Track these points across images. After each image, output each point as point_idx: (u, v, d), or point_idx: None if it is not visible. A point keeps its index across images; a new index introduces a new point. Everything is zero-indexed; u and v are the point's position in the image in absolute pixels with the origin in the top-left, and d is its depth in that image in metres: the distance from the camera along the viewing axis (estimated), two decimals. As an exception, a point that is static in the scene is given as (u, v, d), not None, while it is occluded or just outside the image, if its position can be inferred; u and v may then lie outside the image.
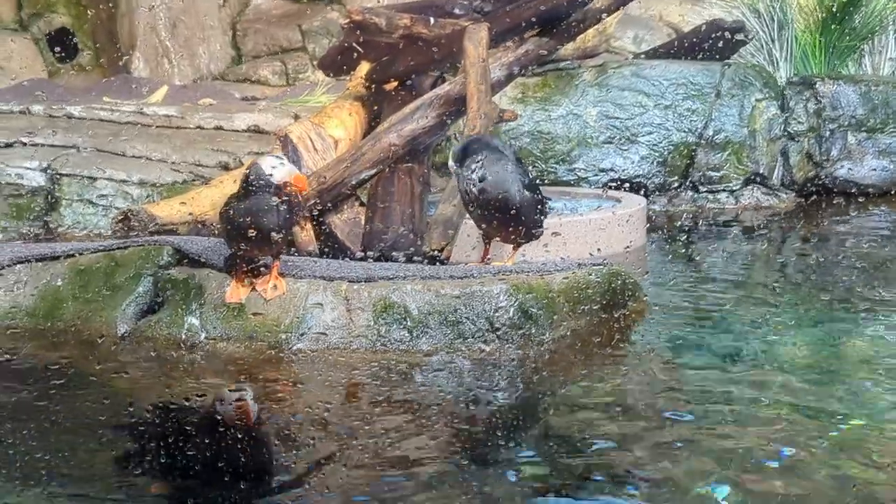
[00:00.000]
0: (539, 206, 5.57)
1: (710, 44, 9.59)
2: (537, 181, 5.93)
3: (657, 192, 9.22)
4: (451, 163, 5.59)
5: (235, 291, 5.05)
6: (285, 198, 4.87)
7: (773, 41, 10.35)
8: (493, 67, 6.49)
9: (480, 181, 5.34)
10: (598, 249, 6.20)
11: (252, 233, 4.80)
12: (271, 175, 4.83)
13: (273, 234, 4.83)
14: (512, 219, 5.41)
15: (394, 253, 5.96)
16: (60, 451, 3.71)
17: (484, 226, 5.51)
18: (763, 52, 10.39)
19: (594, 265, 5.37)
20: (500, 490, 3.40)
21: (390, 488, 3.39)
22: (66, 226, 7.99)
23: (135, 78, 11.41)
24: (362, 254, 6.06)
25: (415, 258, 5.81)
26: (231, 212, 4.88)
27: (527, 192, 5.44)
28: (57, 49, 11.74)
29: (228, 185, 6.76)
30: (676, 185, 9.30)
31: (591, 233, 6.76)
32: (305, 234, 6.20)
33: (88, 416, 4.08)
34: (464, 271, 5.18)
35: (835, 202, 9.23)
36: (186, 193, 6.92)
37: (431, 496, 3.32)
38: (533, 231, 5.57)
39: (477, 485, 3.44)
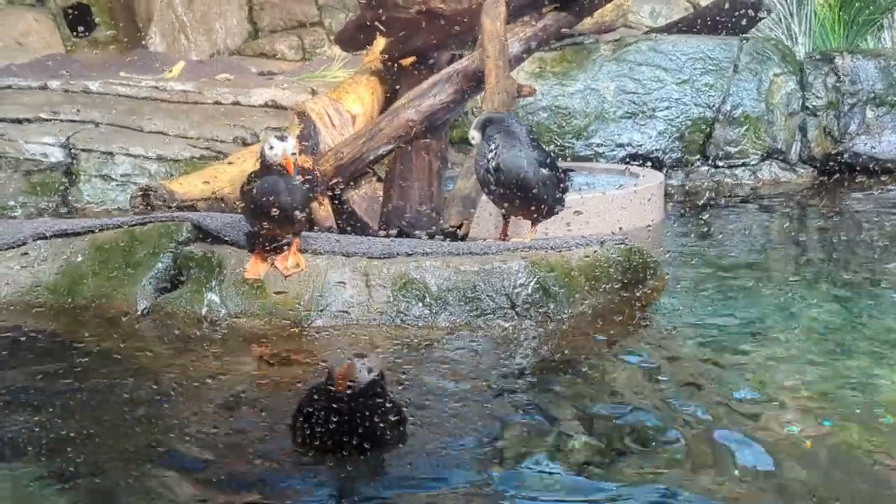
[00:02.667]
0: (559, 183, 5.56)
1: (729, 18, 9.53)
2: (555, 157, 5.88)
3: (674, 168, 9.20)
4: (472, 132, 5.50)
5: (255, 268, 5.06)
6: (308, 176, 4.89)
7: (791, 15, 10.28)
8: (511, 42, 6.46)
9: (496, 171, 5.32)
10: (620, 228, 6.17)
11: (273, 211, 4.82)
12: (268, 153, 4.83)
13: (296, 212, 4.85)
14: (531, 198, 5.40)
15: (413, 229, 5.97)
16: (85, 428, 3.74)
17: (506, 205, 5.50)
18: (782, 26, 10.32)
19: (613, 242, 5.36)
20: (520, 468, 3.42)
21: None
22: (84, 201, 8.04)
23: (151, 53, 11.38)
24: (381, 230, 6.07)
25: (434, 235, 5.81)
26: (252, 189, 4.89)
27: (543, 171, 5.43)
28: (79, 29, 11.72)
29: (247, 161, 6.78)
30: (694, 160, 9.27)
31: (613, 210, 6.75)
32: (323, 210, 6.21)
33: (113, 393, 4.11)
34: (483, 248, 5.18)
35: (853, 178, 9.19)
36: (205, 170, 6.93)
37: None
38: (554, 208, 5.56)
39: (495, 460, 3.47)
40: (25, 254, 5.41)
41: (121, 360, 4.55)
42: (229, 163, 6.78)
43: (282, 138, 4.87)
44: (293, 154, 4.83)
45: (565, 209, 5.64)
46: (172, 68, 10.48)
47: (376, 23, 7.29)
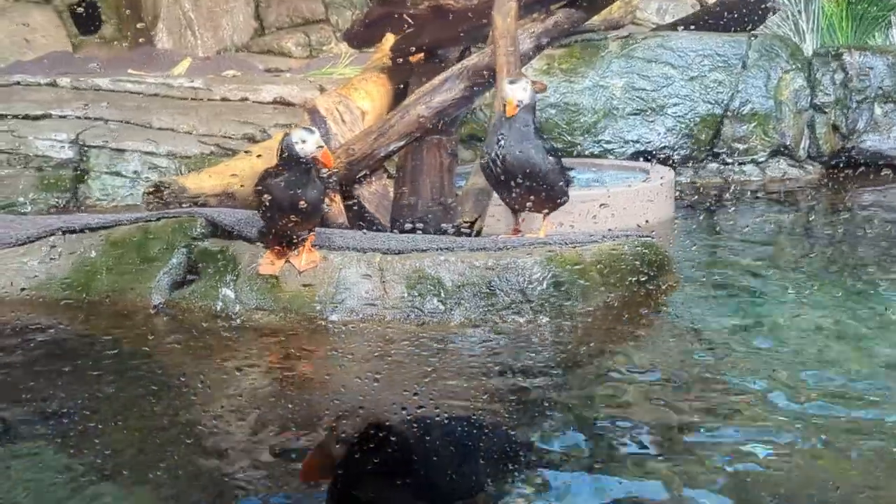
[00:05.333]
0: (563, 173, 5.57)
1: (737, 15, 9.54)
2: (560, 152, 5.86)
3: (683, 164, 9.20)
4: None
5: (269, 264, 5.07)
6: (321, 170, 4.89)
7: (799, 12, 10.28)
8: (521, 39, 6.46)
9: (503, 160, 5.31)
10: (647, 221, 6.15)
11: (300, 205, 4.81)
12: (299, 148, 4.83)
13: (311, 207, 4.85)
14: (540, 189, 5.39)
15: (424, 225, 5.97)
16: (103, 422, 3.76)
17: (514, 197, 5.48)
18: (789, 22, 10.33)
19: (626, 237, 5.37)
20: (534, 462, 3.42)
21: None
22: (94, 197, 8.03)
23: (158, 50, 11.41)
24: (393, 227, 6.07)
25: (446, 230, 5.81)
26: (268, 186, 4.88)
27: (551, 159, 5.44)
28: (82, 21, 11.72)
29: (255, 156, 6.78)
30: (702, 156, 9.27)
31: (639, 204, 6.74)
32: (335, 206, 6.21)
33: (131, 388, 4.13)
34: (497, 243, 5.18)
35: (861, 174, 9.18)
36: (216, 165, 6.93)
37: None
38: (561, 198, 5.57)
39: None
40: (40, 249, 5.43)
41: (137, 355, 4.56)
42: (246, 151, 6.78)
43: (310, 131, 4.87)
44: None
45: (592, 202, 5.63)
46: (179, 65, 10.48)
47: (386, 19, 7.30)
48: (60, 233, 5.47)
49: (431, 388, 3.91)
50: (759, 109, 9.35)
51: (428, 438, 3.02)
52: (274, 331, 4.83)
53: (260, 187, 4.95)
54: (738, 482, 3.25)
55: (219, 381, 4.06)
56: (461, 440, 3.13)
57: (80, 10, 11.74)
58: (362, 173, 6.44)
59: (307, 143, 4.82)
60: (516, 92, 5.39)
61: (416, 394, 3.73)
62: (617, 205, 6.72)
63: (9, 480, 3.29)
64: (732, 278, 5.89)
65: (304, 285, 4.94)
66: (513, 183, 5.38)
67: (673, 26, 10.21)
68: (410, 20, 7.14)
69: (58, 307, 5.20)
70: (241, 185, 6.48)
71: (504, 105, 5.38)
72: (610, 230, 5.54)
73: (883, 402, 3.88)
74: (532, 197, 5.46)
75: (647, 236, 5.45)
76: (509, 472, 3.18)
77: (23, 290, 5.31)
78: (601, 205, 5.95)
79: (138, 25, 11.71)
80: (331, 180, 5.25)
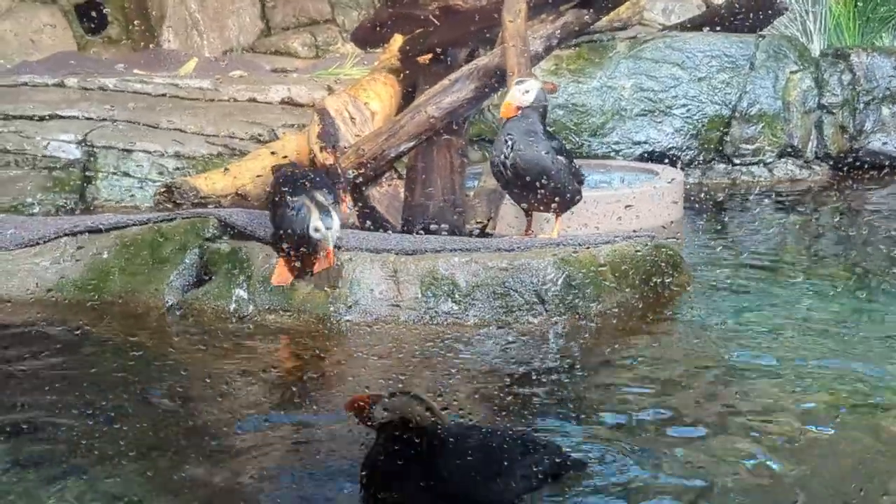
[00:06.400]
0: (575, 173, 5.58)
1: (744, 15, 9.52)
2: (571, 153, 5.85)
3: (691, 165, 9.18)
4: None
5: (282, 273, 5.04)
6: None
7: (807, 12, 10.26)
8: (531, 39, 6.46)
9: (512, 163, 5.31)
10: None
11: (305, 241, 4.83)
12: (312, 235, 4.81)
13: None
14: (551, 189, 5.40)
15: (435, 226, 5.96)
16: (115, 422, 3.75)
17: (528, 196, 5.48)
18: (797, 23, 10.31)
19: (639, 238, 5.37)
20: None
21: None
22: (102, 198, 8.00)
23: (164, 50, 11.37)
24: (403, 227, 6.06)
25: (458, 231, 5.80)
26: (286, 222, 4.87)
27: (560, 158, 5.45)
28: (87, 21, 11.69)
29: (266, 157, 6.79)
30: (710, 157, 9.26)
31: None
32: (345, 206, 6.20)
33: (144, 390, 4.13)
34: (511, 244, 5.18)
35: (869, 175, 9.15)
36: (229, 166, 6.90)
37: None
38: (574, 198, 5.57)
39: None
40: (53, 250, 5.42)
41: (151, 356, 4.56)
42: (273, 152, 6.76)
43: (326, 224, 4.81)
44: (335, 245, 4.86)
45: (616, 203, 5.63)
46: (185, 65, 10.46)
47: (394, 20, 7.30)
48: (73, 233, 5.46)
49: (454, 389, 3.91)
50: (767, 110, 9.33)
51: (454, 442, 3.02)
52: (286, 331, 4.84)
53: (275, 219, 4.96)
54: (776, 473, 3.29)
55: (227, 382, 4.07)
56: (488, 444, 3.14)
57: (85, 9, 11.70)
58: (386, 174, 6.45)
59: (319, 233, 4.80)
60: (515, 95, 5.41)
61: (440, 395, 3.73)
62: (640, 206, 6.70)
63: (39, 480, 3.29)
64: (741, 278, 5.90)
65: (330, 287, 4.93)
66: (523, 184, 5.38)
67: (681, 27, 10.20)
68: (420, 21, 7.14)
69: (70, 308, 5.20)
70: (253, 187, 6.48)
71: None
72: (634, 231, 5.52)
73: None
74: (543, 197, 5.46)
75: (659, 237, 5.45)
76: (536, 475, 3.18)
77: (48, 291, 5.30)
78: (626, 206, 5.93)
79: (144, 26, 11.68)
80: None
